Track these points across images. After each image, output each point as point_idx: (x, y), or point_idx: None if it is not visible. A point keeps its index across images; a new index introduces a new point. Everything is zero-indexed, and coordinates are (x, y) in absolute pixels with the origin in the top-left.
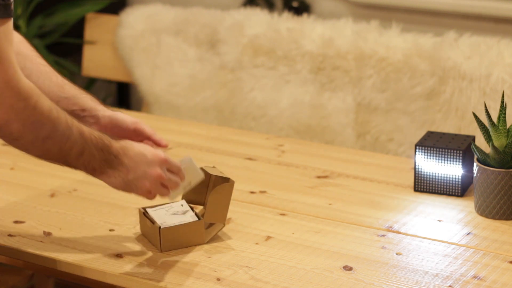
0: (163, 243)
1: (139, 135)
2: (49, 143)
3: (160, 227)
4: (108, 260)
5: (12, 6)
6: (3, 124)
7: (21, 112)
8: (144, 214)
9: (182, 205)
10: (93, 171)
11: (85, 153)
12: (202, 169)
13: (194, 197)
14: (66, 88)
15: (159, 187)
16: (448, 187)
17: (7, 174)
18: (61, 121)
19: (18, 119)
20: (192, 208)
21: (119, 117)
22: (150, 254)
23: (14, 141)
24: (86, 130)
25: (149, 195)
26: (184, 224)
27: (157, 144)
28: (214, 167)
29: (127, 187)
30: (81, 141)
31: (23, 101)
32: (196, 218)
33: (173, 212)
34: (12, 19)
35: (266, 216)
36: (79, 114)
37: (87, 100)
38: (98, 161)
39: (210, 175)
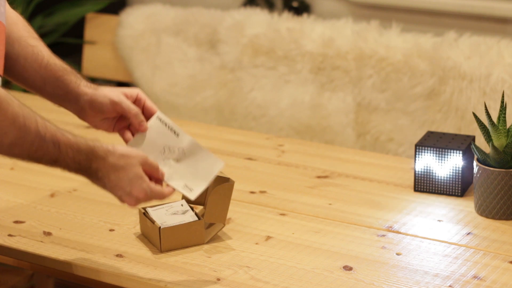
0: (163, 243)
1: (121, 116)
2: (16, 150)
3: (160, 227)
4: (108, 260)
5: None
6: None
7: None
8: (144, 214)
9: (182, 205)
10: (75, 172)
11: (58, 161)
12: None
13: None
14: (51, 70)
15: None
16: (448, 187)
17: (7, 174)
18: (29, 130)
19: None
20: (192, 208)
21: (98, 99)
22: (150, 254)
23: None
24: (64, 139)
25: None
26: (184, 224)
27: (137, 128)
28: None
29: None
30: (54, 152)
31: None
32: (196, 218)
33: (173, 212)
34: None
35: (266, 216)
36: (64, 98)
37: (70, 82)
38: (74, 169)
39: None
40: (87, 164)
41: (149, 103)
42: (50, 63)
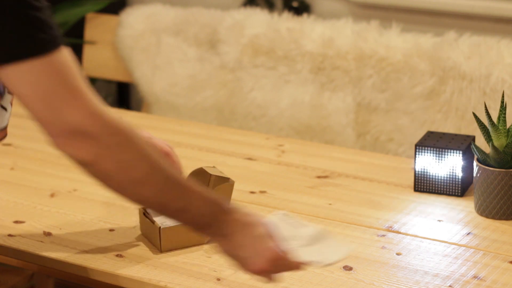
0: (163, 243)
1: None
2: (145, 189)
3: (160, 227)
4: (108, 260)
5: (60, 33)
6: (93, 160)
7: (111, 149)
8: (144, 214)
9: None
10: (197, 229)
11: (186, 211)
12: (202, 168)
13: None
14: None
15: (265, 274)
16: (448, 187)
17: (7, 174)
18: (158, 168)
19: (108, 155)
20: None
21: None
22: (150, 254)
23: (106, 182)
24: (196, 187)
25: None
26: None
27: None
28: (214, 167)
29: (229, 258)
30: (183, 196)
31: (114, 135)
32: None
33: None
34: (65, 48)
35: (266, 216)
36: None
37: None
38: (201, 224)
39: (210, 175)
40: (213, 216)
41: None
42: None
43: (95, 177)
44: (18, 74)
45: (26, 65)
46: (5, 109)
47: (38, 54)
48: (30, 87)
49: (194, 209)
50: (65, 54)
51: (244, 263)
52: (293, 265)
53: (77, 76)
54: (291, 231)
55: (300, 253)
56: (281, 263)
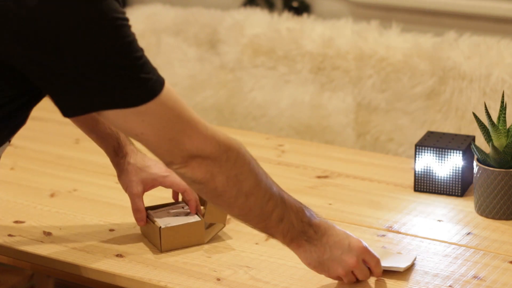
0: (163, 243)
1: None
2: (252, 200)
3: (160, 227)
4: (108, 260)
5: (158, 75)
6: (209, 178)
7: (224, 164)
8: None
9: (183, 207)
10: (291, 241)
11: (284, 219)
12: None
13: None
14: (99, 122)
15: (351, 276)
16: (448, 187)
17: (7, 174)
18: (262, 177)
19: (222, 172)
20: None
21: (149, 169)
22: (150, 254)
23: (217, 198)
24: (286, 194)
25: (339, 279)
26: (184, 224)
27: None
28: None
29: (319, 266)
30: (281, 205)
31: (225, 153)
32: (197, 218)
33: (174, 214)
34: (166, 82)
35: None
36: (106, 152)
37: (114, 142)
38: (297, 232)
39: None
40: (309, 222)
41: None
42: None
43: (208, 193)
44: (135, 117)
45: (143, 107)
46: None
47: (153, 97)
48: (148, 126)
49: (291, 216)
50: (169, 89)
51: (333, 264)
52: (377, 261)
53: (185, 106)
54: None
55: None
56: (368, 258)
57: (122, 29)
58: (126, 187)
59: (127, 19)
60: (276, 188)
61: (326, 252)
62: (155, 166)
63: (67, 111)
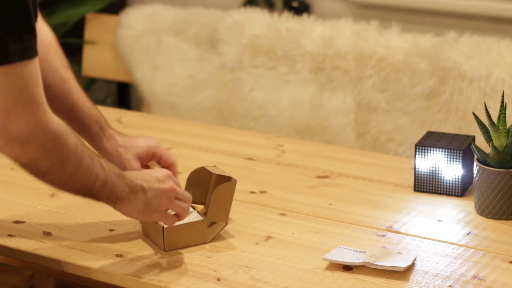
0: (166, 242)
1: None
2: (75, 177)
3: (163, 227)
4: (108, 260)
5: (36, 45)
6: (32, 162)
7: (50, 152)
8: None
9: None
10: (116, 199)
11: (107, 182)
12: (203, 168)
13: (194, 197)
14: (78, 113)
15: (175, 204)
16: (448, 187)
17: (7, 174)
18: (84, 156)
19: (46, 158)
20: (193, 208)
21: (139, 143)
22: (150, 254)
23: (42, 177)
24: (103, 159)
25: (168, 216)
26: (187, 223)
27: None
28: (215, 166)
29: (147, 207)
30: (102, 171)
31: (52, 141)
32: (199, 218)
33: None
34: (36, 58)
35: (266, 216)
36: (86, 139)
37: (95, 128)
38: (119, 187)
39: (211, 174)
40: (123, 175)
41: (167, 157)
42: (79, 105)
43: (33, 173)
44: None
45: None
46: None
47: (8, 63)
48: None
49: (112, 175)
50: (32, 65)
51: (157, 199)
52: (187, 196)
53: (39, 87)
54: (355, 253)
55: (379, 264)
56: (179, 195)
57: None
58: (124, 168)
59: None
60: (96, 159)
61: (147, 191)
62: (143, 139)
63: None
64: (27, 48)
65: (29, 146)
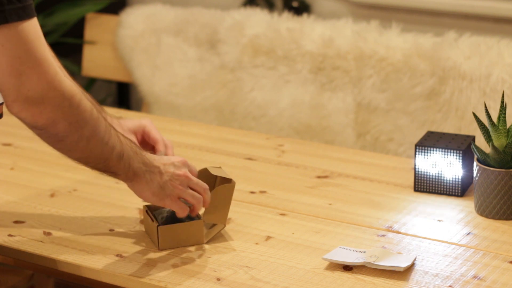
0: (161, 241)
1: (144, 140)
2: (93, 142)
3: (158, 226)
4: (108, 260)
5: (33, 5)
6: (50, 124)
7: (67, 111)
8: (146, 212)
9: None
10: (134, 176)
11: (124, 155)
12: (206, 169)
13: None
14: None
15: (187, 192)
16: (448, 187)
17: (7, 174)
18: (101, 121)
19: (64, 118)
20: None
21: (125, 124)
22: (150, 254)
23: (59, 142)
24: (120, 133)
25: (180, 204)
26: (182, 223)
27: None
28: (220, 167)
29: (161, 191)
30: (119, 143)
31: (68, 100)
32: (196, 218)
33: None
34: (35, 18)
35: (266, 216)
36: None
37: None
38: (137, 164)
39: (216, 177)
40: (141, 152)
41: (154, 134)
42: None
43: (49, 138)
44: None
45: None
46: None
47: (7, 22)
48: (4, 52)
49: (128, 148)
50: (33, 24)
51: (171, 184)
52: (204, 188)
53: (43, 45)
54: (354, 253)
55: (379, 264)
56: (194, 185)
57: None
58: None
59: None
60: (113, 129)
61: (163, 173)
62: (130, 120)
63: None
64: (25, 7)
65: (45, 105)
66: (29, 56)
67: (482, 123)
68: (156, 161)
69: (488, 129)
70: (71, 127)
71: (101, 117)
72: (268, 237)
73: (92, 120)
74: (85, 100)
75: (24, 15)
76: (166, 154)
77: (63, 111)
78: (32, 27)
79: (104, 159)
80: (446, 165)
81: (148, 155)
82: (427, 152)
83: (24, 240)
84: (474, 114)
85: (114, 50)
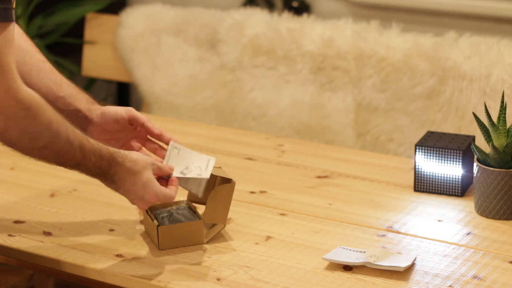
0: (161, 241)
1: (133, 124)
2: (46, 152)
3: (158, 226)
4: (108, 260)
5: (13, 11)
6: (2, 131)
7: (20, 121)
8: (146, 211)
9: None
10: (94, 177)
11: (80, 166)
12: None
13: (199, 198)
14: (63, 87)
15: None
16: (448, 187)
17: (7, 174)
18: (61, 136)
19: (16, 127)
20: (195, 209)
21: (111, 110)
22: (150, 254)
23: (12, 146)
24: (88, 146)
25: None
26: (182, 223)
27: (150, 133)
28: (220, 167)
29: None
30: (79, 156)
31: (23, 110)
32: (196, 218)
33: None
34: (13, 24)
35: (266, 216)
36: (75, 114)
37: (82, 101)
38: (92, 175)
39: (216, 177)
40: (106, 169)
41: (140, 116)
42: (63, 81)
43: (2, 142)
44: None
45: None
46: None
47: None
48: None
49: (90, 164)
50: (9, 29)
51: (132, 203)
52: (172, 198)
53: (9, 54)
54: (354, 253)
55: (379, 264)
56: (161, 200)
57: None
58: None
59: None
60: (78, 142)
61: (124, 194)
62: (113, 107)
63: None
64: (6, 10)
65: None
66: None
67: (482, 123)
68: (122, 183)
69: (488, 129)
70: (23, 136)
71: (62, 130)
72: (268, 237)
73: (48, 133)
74: (43, 112)
75: (3, 17)
76: (161, 138)
77: (16, 120)
78: (7, 31)
79: (59, 164)
80: (446, 165)
81: (117, 177)
82: (427, 152)
83: (24, 240)
84: (474, 114)
85: (114, 50)
